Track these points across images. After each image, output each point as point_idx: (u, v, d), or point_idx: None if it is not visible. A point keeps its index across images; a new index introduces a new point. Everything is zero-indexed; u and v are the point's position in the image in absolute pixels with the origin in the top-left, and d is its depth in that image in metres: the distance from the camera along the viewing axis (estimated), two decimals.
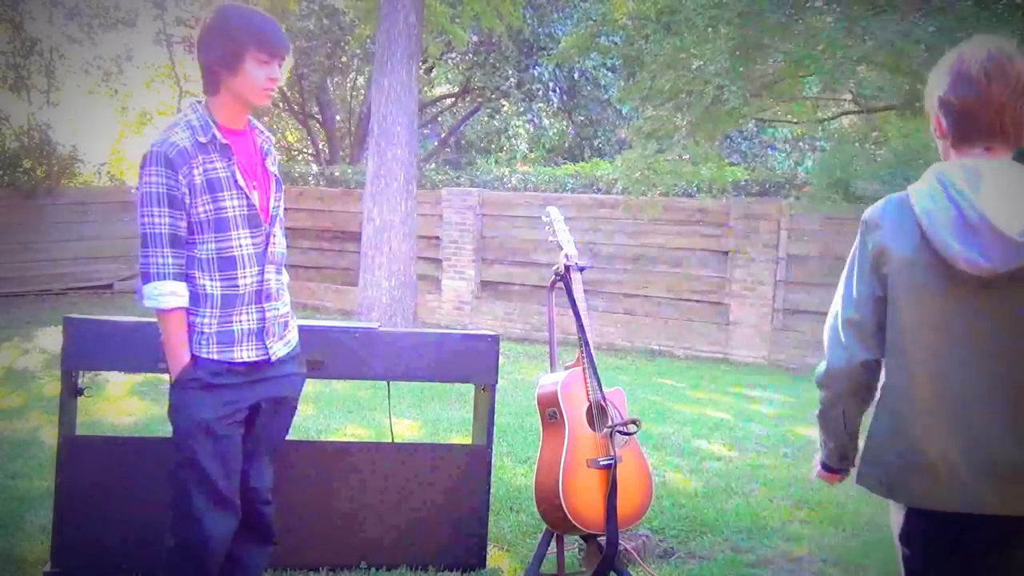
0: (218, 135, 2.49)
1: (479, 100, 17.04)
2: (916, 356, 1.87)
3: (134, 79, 18.39)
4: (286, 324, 2.70)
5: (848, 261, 2.05)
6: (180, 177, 2.43)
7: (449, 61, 16.91)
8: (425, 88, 16.54)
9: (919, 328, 1.86)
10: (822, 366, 2.01)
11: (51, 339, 8.50)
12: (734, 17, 7.72)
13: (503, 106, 17.21)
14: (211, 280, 2.51)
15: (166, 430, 2.63)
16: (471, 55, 16.01)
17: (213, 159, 2.48)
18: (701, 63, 8.31)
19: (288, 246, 2.81)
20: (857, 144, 8.46)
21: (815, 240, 9.21)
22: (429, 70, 16.62)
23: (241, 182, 2.52)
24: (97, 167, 14.55)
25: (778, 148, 15.12)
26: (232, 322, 2.54)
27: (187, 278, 2.50)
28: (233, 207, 2.50)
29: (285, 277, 2.77)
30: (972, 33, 7.20)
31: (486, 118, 17.88)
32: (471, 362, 3.71)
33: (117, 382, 6.89)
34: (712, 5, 7.86)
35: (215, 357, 2.52)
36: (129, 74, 17.88)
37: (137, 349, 3.31)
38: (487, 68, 15.59)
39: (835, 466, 2.13)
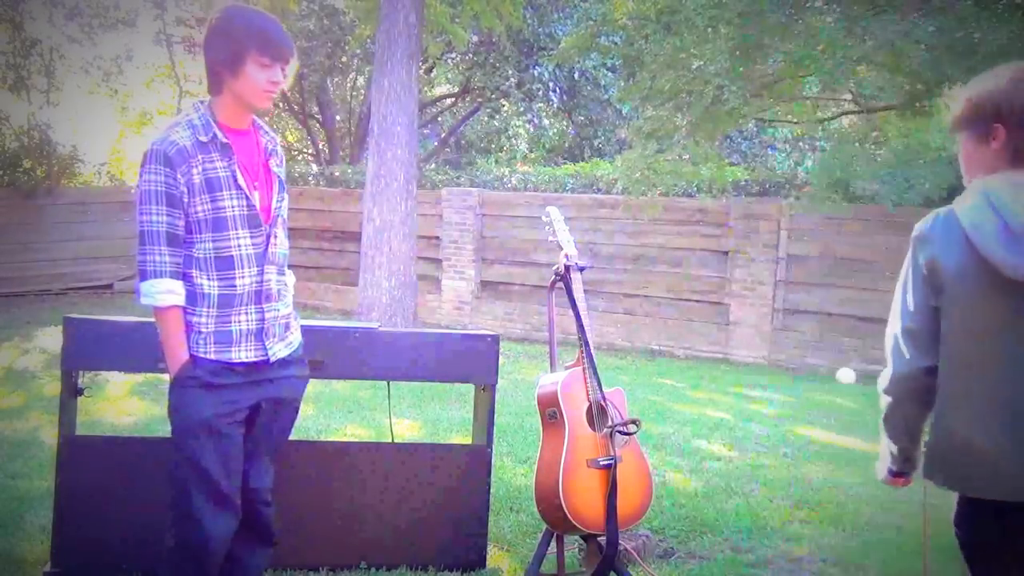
0: (219, 134, 2.49)
1: (479, 100, 17.04)
2: (969, 360, 2.00)
3: (134, 79, 18.42)
4: (287, 326, 2.68)
5: (902, 275, 2.19)
6: (179, 176, 2.43)
7: (449, 61, 16.91)
8: (425, 88, 16.54)
9: (971, 334, 2.00)
10: (886, 373, 2.14)
11: (51, 339, 8.51)
12: (734, 17, 7.72)
13: (503, 106, 17.21)
14: (208, 280, 2.50)
15: (166, 430, 2.63)
16: (471, 55, 16.01)
17: (213, 158, 2.49)
18: (701, 63, 8.31)
19: (290, 247, 2.79)
20: (857, 144, 8.45)
21: (815, 240, 9.22)
22: (429, 70, 16.62)
23: (241, 182, 2.52)
24: (97, 167, 14.57)
25: (778, 148, 15.12)
26: (230, 322, 2.53)
27: (185, 277, 2.50)
28: (232, 207, 2.50)
29: (291, 278, 2.77)
30: (972, 33, 7.25)
31: (486, 118, 17.88)
32: (471, 362, 3.71)
33: (117, 382, 6.89)
34: (712, 5, 7.85)
35: (212, 357, 2.51)
36: (129, 74, 17.91)
37: (137, 349, 3.31)
38: (487, 68, 15.59)
39: (900, 470, 2.28)
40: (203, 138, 2.47)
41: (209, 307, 2.51)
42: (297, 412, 2.80)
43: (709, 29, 8.11)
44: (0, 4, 13.68)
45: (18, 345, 8.79)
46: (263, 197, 2.58)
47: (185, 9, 15.89)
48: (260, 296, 2.57)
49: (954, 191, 9.34)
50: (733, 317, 9.58)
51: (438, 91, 18.34)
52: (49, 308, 10.81)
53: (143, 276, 2.48)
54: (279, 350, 2.63)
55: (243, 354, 2.55)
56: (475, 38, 14.77)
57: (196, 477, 2.52)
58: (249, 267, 2.54)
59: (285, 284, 2.70)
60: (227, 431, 2.54)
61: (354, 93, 17.90)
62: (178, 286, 2.49)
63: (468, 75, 16.51)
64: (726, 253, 9.59)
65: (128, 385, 6.87)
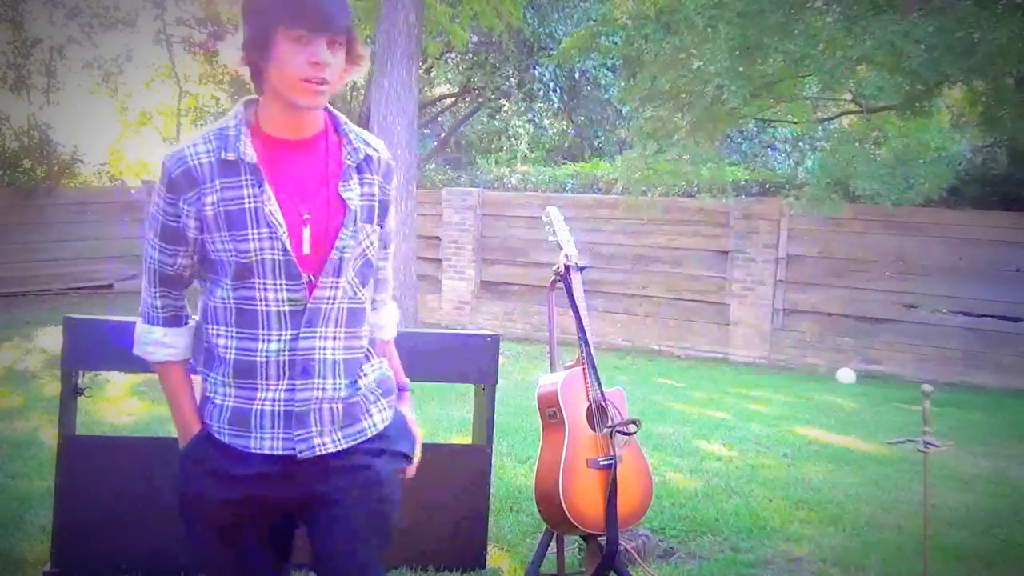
0: (247, 152, 1.83)
1: (479, 100, 17.03)
2: None
3: (134, 79, 18.45)
4: (353, 408, 1.94)
5: None
6: (182, 204, 1.85)
7: (449, 61, 16.90)
8: (425, 88, 16.53)
9: None
10: None
11: (51, 339, 8.50)
12: (734, 17, 7.73)
13: (503, 106, 17.20)
14: (226, 338, 1.89)
15: (166, 430, 2.62)
16: (471, 55, 16.00)
17: (240, 183, 1.84)
18: (701, 63, 8.32)
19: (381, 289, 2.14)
20: (857, 144, 8.45)
21: (814, 240, 9.22)
22: (429, 70, 16.61)
23: (276, 217, 1.83)
24: (97, 167, 14.57)
25: (778, 148, 15.11)
26: (252, 399, 1.88)
27: (204, 330, 1.94)
28: (258, 250, 1.83)
29: (386, 330, 2.14)
30: (972, 33, 7.26)
31: (486, 118, 17.87)
32: (471, 362, 3.71)
33: (117, 382, 6.89)
34: (712, 5, 7.86)
35: (226, 440, 1.90)
36: (129, 74, 17.94)
37: None
38: (487, 68, 15.58)
39: None
40: (229, 156, 1.83)
41: (226, 375, 1.89)
42: (384, 508, 1.98)
43: (709, 29, 8.11)
44: (0, 4, 13.68)
45: (18, 345, 8.79)
46: (317, 235, 1.87)
47: (185, 9, 15.91)
48: (294, 368, 1.87)
49: (954, 191, 9.41)
50: (733, 317, 9.58)
51: (438, 91, 18.33)
52: (49, 308, 10.81)
53: (142, 317, 2.02)
54: (323, 442, 1.90)
55: (264, 443, 1.89)
56: (475, 38, 14.76)
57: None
58: (279, 328, 1.86)
59: (359, 349, 1.97)
60: (236, 528, 1.94)
61: (354, 93, 17.89)
62: (173, 336, 1.98)
63: (468, 75, 16.50)
64: (726, 253, 9.60)
65: (128, 385, 6.87)
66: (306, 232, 1.86)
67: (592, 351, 3.44)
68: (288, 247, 1.83)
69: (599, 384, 3.42)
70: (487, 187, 11.59)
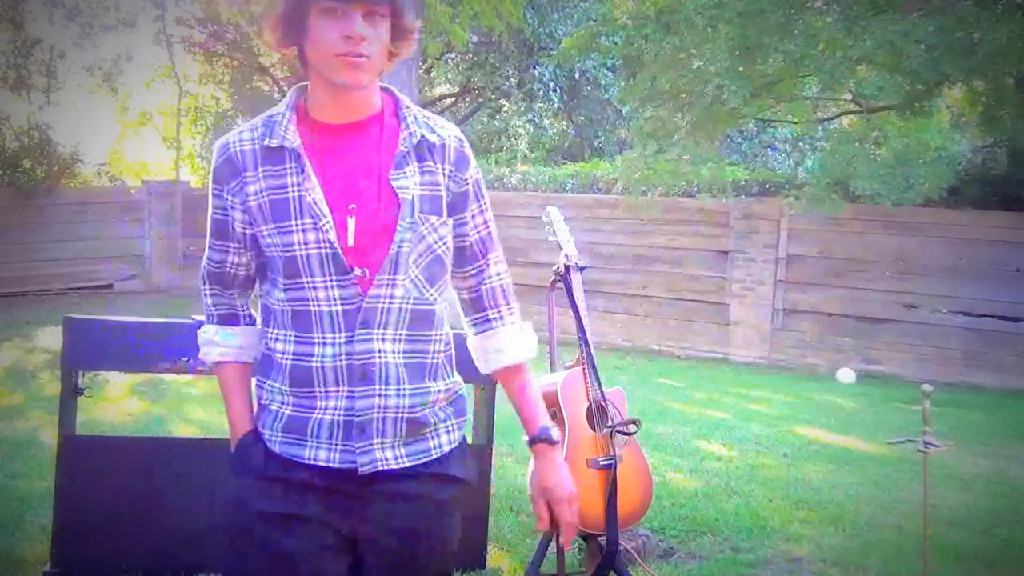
0: (289, 138, 1.71)
1: (479, 100, 17.04)
2: None
3: (134, 79, 18.49)
4: (418, 421, 1.75)
5: None
6: (226, 195, 1.74)
7: (449, 61, 16.91)
8: (425, 88, 16.53)
9: None
10: None
11: (51, 339, 8.50)
12: (734, 17, 7.73)
13: (503, 106, 17.21)
14: (284, 342, 1.74)
15: (166, 430, 2.62)
16: (471, 55, 16.01)
17: (284, 171, 1.71)
18: (701, 63, 8.32)
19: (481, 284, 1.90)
20: (857, 144, 8.45)
21: (815, 240, 9.22)
22: (429, 70, 16.62)
23: (319, 207, 1.68)
24: (97, 167, 14.58)
25: (778, 148, 15.11)
26: (312, 407, 1.72)
27: (265, 334, 1.79)
28: (302, 243, 1.68)
29: (511, 355, 1.94)
30: (972, 33, 7.26)
31: (486, 118, 17.87)
32: (471, 362, 3.69)
33: (117, 382, 6.89)
34: (712, 5, 7.86)
35: (278, 450, 1.74)
36: (129, 74, 18.00)
37: (137, 349, 3.31)
38: (487, 68, 15.59)
39: None
40: (272, 142, 1.71)
41: (283, 381, 1.74)
42: (441, 542, 1.81)
43: (709, 29, 8.11)
44: (0, 4, 13.69)
45: (18, 345, 8.79)
46: (365, 227, 1.70)
47: (185, 9, 15.90)
48: (352, 374, 1.70)
49: (954, 191, 9.40)
50: (733, 317, 9.58)
51: (438, 91, 18.33)
52: (49, 308, 10.80)
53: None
54: (385, 457, 1.72)
55: (320, 453, 1.71)
56: (475, 38, 14.76)
57: None
58: (333, 330, 1.70)
59: (427, 354, 1.77)
60: (288, 548, 1.70)
61: None
62: (228, 335, 1.85)
63: (468, 75, 16.51)
64: (726, 253, 9.60)
65: (128, 385, 6.87)
66: (351, 223, 1.69)
67: (592, 351, 3.44)
68: (333, 239, 1.67)
69: (599, 384, 3.42)
70: (487, 187, 11.57)
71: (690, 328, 9.86)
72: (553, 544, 3.52)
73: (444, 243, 1.77)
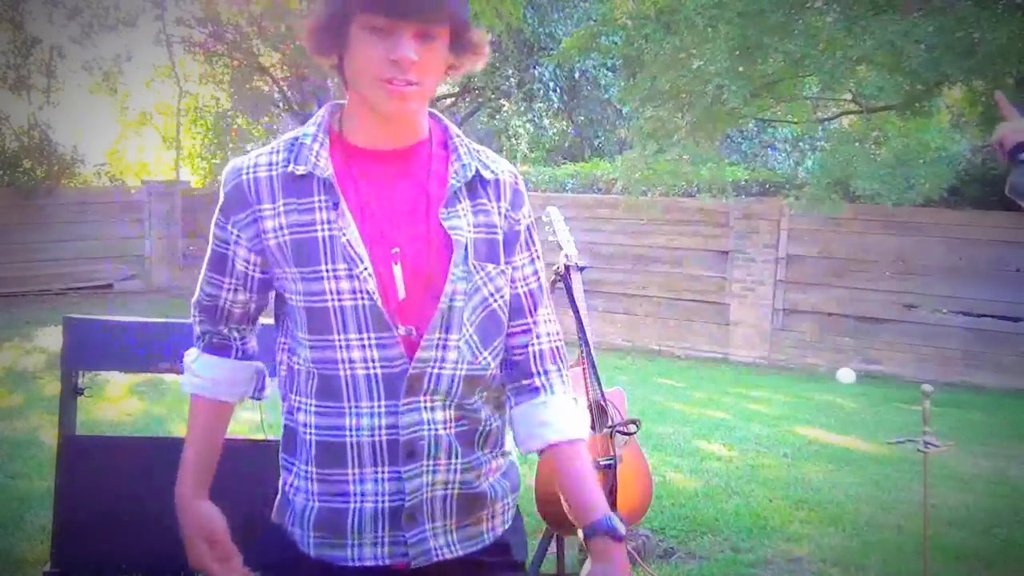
0: (321, 164, 1.42)
1: (479, 100, 17.03)
2: None
3: (134, 79, 18.51)
4: (472, 502, 1.50)
5: None
6: (230, 228, 1.47)
7: None
8: None
9: None
10: None
11: (51, 339, 8.50)
12: (734, 17, 7.73)
13: (503, 106, 17.20)
14: (306, 414, 1.46)
15: (166, 430, 2.62)
16: None
17: (311, 205, 1.41)
18: (701, 63, 8.31)
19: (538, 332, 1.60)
20: (857, 144, 8.45)
21: (814, 240, 9.22)
22: None
23: (357, 250, 1.39)
24: (97, 167, 14.59)
25: (778, 148, 15.12)
26: (346, 494, 1.44)
27: (287, 400, 1.52)
28: (333, 293, 1.40)
29: (560, 430, 1.58)
30: (972, 33, 7.25)
31: (486, 118, 17.87)
32: None
33: (117, 382, 6.89)
34: (712, 5, 7.86)
35: (312, 553, 1.46)
36: (129, 74, 18.01)
37: (137, 349, 3.31)
38: (487, 68, 15.52)
39: None
40: (299, 169, 1.42)
41: (308, 461, 1.46)
42: None
43: (709, 29, 8.11)
44: (0, 4, 13.68)
45: (18, 345, 8.79)
46: (413, 275, 1.42)
47: (185, 9, 15.88)
48: (395, 451, 1.42)
49: (954, 191, 9.40)
50: (733, 317, 9.58)
51: (438, 91, 18.29)
52: (49, 308, 10.80)
53: None
54: (439, 545, 1.46)
55: (366, 551, 1.44)
56: None
57: None
58: (370, 399, 1.41)
59: (478, 422, 1.51)
60: None
61: None
62: (207, 366, 1.59)
63: (468, 75, 16.49)
64: (726, 253, 9.60)
65: (128, 385, 6.87)
66: (397, 270, 1.40)
67: (592, 351, 3.44)
68: (372, 289, 1.38)
69: (599, 384, 3.42)
70: None
71: (690, 328, 9.86)
72: (553, 545, 3.53)
73: (501, 296, 1.49)
